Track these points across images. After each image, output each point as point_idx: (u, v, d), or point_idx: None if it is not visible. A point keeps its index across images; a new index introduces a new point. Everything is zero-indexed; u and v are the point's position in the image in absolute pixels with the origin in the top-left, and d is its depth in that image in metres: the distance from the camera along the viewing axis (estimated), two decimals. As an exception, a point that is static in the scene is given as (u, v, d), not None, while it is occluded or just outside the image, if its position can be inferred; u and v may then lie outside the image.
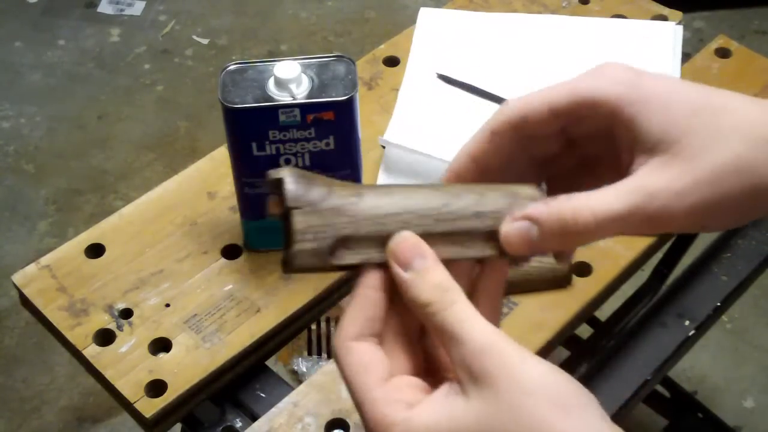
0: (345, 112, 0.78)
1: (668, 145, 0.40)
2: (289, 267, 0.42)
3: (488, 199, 0.43)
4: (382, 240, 0.42)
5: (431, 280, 0.41)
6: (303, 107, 0.76)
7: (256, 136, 0.78)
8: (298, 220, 0.41)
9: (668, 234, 0.90)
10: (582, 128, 0.44)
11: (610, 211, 0.40)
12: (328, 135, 0.79)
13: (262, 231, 0.85)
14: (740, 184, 0.40)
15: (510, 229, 0.43)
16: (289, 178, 0.41)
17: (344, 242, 0.42)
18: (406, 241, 0.42)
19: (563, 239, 0.41)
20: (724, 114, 0.41)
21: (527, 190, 0.45)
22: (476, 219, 0.43)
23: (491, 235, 0.44)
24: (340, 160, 0.80)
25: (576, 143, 0.45)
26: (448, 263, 0.42)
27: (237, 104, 0.76)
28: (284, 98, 0.76)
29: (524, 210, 0.42)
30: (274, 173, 0.42)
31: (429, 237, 0.43)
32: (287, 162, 0.80)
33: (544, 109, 0.44)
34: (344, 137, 0.80)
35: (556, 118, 0.44)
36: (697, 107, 0.41)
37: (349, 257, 0.43)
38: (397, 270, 0.42)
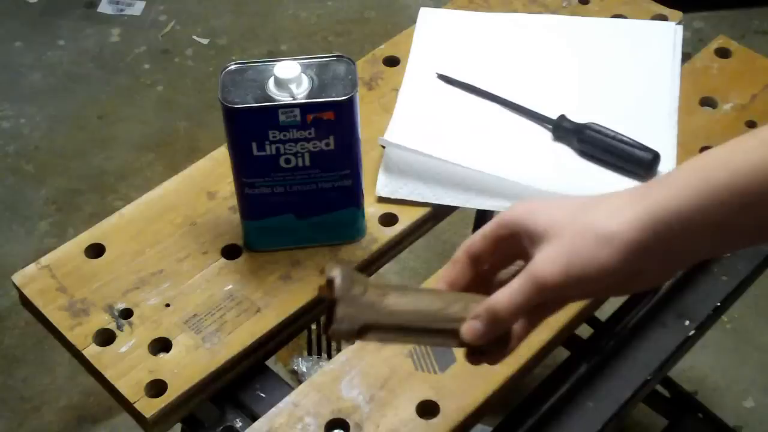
0: (345, 112, 0.77)
1: (550, 236, 0.56)
2: (327, 334, 0.59)
3: (472, 309, 0.59)
4: (396, 328, 0.59)
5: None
6: (303, 107, 0.76)
7: (256, 136, 0.78)
8: (340, 310, 0.58)
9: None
10: (509, 243, 0.60)
11: (514, 299, 0.56)
12: (328, 135, 0.78)
13: (261, 231, 0.85)
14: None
15: (464, 330, 0.58)
16: (338, 278, 0.58)
17: (369, 327, 0.59)
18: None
19: (498, 326, 0.58)
20: (589, 211, 0.55)
21: None
22: (461, 322, 0.59)
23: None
24: (340, 160, 0.80)
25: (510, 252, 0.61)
26: None
27: (237, 104, 0.76)
28: (284, 98, 0.76)
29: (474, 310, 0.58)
30: (330, 272, 0.58)
31: (425, 330, 0.59)
32: (287, 163, 0.79)
33: (478, 236, 0.60)
34: (344, 137, 0.79)
35: (487, 240, 0.60)
36: (574, 210, 0.56)
37: (371, 338, 0.59)
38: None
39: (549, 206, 0.58)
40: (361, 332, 0.59)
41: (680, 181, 0.52)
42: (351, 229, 0.87)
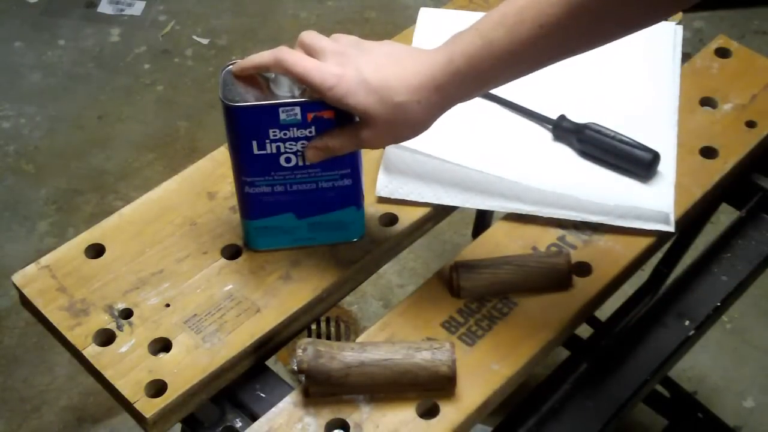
0: (345, 111, 0.77)
1: (368, 123, 0.75)
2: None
3: (417, 356, 0.76)
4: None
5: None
6: (304, 106, 0.76)
7: (257, 134, 0.77)
8: (308, 384, 0.77)
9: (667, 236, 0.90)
10: None
11: (342, 146, 0.78)
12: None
13: (261, 231, 0.85)
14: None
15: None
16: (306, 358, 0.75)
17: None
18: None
19: (325, 154, 0.79)
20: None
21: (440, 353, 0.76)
22: (415, 368, 0.75)
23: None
24: (340, 159, 0.80)
25: None
26: None
27: (237, 102, 0.76)
28: (285, 97, 0.76)
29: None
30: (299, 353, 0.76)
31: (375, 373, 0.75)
32: (287, 162, 0.79)
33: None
34: None
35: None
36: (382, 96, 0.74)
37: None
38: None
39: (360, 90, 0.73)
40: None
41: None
42: (351, 229, 0.87)
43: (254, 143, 0.78)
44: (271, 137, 0.77)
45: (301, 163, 0.79)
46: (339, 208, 0.84)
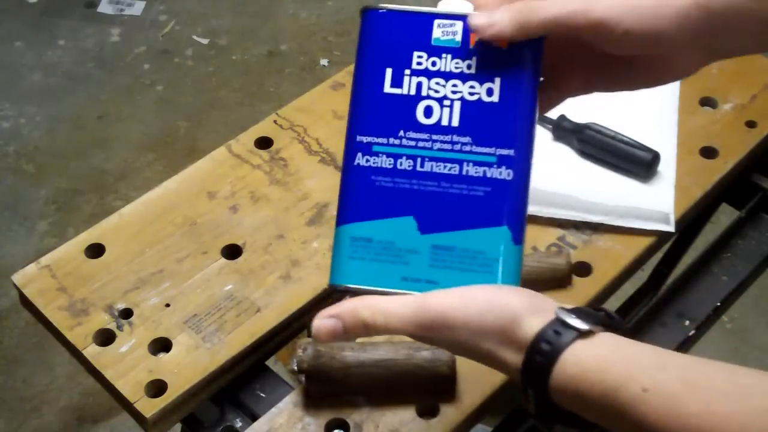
0: (527, 40, 0.54)
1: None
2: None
3: (417, 356, 0.75)
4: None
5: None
6: (467, 22, 0.54)
7: (395, 57, 0.55)
8: (308, 384, 0.76)
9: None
10: None
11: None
12: (494, 75, 0.54)
13: (361, 248, 0.55)
14: None
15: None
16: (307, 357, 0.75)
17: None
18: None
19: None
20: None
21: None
22: (415, 368, 0.74)
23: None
24: (506, 125, 0.54)
25: None
26: None
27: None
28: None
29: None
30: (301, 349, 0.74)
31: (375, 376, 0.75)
32: (427, 114, 0.55)
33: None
34: (519, 86, 0.54)
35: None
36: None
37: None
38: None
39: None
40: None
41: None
42: (495, 269, 0.54)
43: (389, 73, 0.55)
44: (415, 66, 0.55)
45: (446, 122, 0.54)
46: (483, 224, 0.54)
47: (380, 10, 0.55)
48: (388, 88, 0.55)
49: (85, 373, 0.80)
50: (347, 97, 0.57)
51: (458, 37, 0.54)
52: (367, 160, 0.55)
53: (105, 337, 0.79)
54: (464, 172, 0.54)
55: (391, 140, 0.55)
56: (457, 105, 0.54)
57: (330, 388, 0.76)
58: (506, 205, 0.54)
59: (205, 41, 2.37)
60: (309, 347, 0.75)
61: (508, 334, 0.49)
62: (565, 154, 0.96)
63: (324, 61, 2.28)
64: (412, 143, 0.54)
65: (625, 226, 0.89)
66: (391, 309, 0.51)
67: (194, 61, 2.31)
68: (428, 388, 0.76)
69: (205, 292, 0.83)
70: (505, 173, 0.54)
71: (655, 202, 0.90)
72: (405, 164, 0.54)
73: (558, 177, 0.93)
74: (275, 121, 0.98)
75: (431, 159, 0.54)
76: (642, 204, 0.90)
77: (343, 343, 0.77)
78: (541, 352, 0.47)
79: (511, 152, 0.54)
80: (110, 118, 2.17)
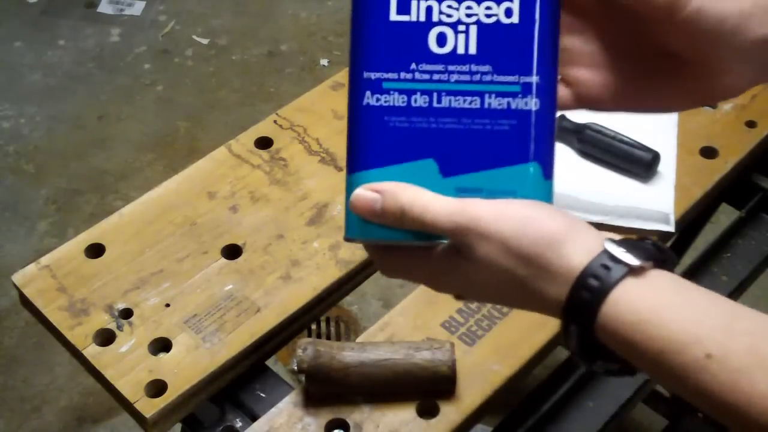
0: None
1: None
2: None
3: (417, 356, 0.76)
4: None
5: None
6: None
7: None
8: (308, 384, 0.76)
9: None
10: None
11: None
12: None
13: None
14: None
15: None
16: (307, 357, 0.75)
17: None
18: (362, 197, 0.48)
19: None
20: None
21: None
22: (415, 368, 0.75)
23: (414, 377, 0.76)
24: (527, 49, 0.48)
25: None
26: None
27: None
28: None
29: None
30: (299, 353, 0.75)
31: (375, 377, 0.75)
32: (441, 43, 0.48)
33: None
34: (541, 4, 0.48)
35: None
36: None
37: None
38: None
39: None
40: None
41: None
42: None
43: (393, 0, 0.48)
44: None
45: (462, 50, 0.48)
46: (511, 162, 0.49)
47: None
48: (394, 16, 0.48)
49: (85, 373, 0.80)
50: (347, 97, 0.54)
51: None
52: (377, 99, 0.48)
53: (105, 337, 0.79)
54: (486, 105, 0.48)
55: (403, 74, 0.48)
56: (473, 30, 0.48)
57: (330, 388, 0.76)
58: (534, 138, 0.49)
59: (205, 41, 2.37)
60: (309, 347, 0.75)
61: (545, 260, 0.44)
62: (565, 154, 0.96)
63: (324, 61, 2.28)
64: (426, 76, 0.48)
65: (625, 226, 0.89)
66: (430, 202, 0.46)
67: (194, 61, 2.31)
68: (428, 388, 0.76)
69: (205, 292, 0.83)
70: (531, 103, 0.48)
71: (655, 202, 0.90)
72: (420, 101, 0.48)
73: (558, 177, 0.93)
74: (275, 121, 0.98)
75: (449, 93, 0.48)
76: (642, 204, 0.90)
77: (343, 343, 0.77)
78: (589, 288, 0.43)
79: (536, 79, 0.48)
80: (110, 118, 2.17)
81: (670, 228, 0.89)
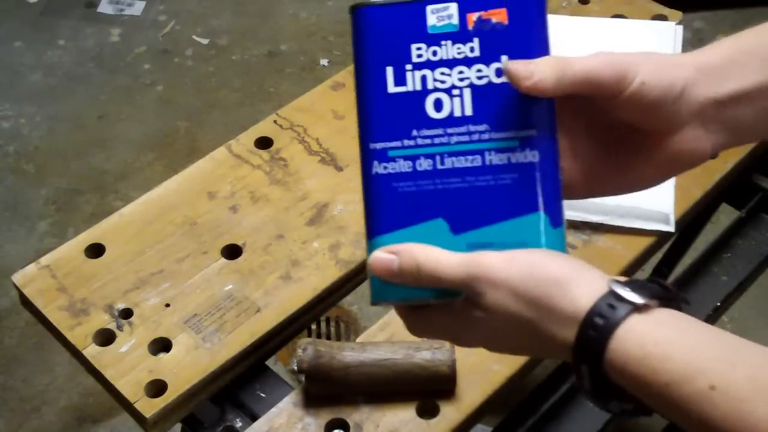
0: (525, 10, 0.51)
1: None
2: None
3: (417, 356, 0.76)
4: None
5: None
6: (462, 2, 0.51)
7: (394, 54, 0.51)
8: (308, 384, 0.77)
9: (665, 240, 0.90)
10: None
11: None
12: (499, 54, 0.50)
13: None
14: None
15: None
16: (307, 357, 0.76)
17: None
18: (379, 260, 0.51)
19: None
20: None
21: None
22: (415, 368, 0.76)
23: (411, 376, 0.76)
24: (520, 105, 0.50)
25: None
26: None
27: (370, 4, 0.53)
28: None
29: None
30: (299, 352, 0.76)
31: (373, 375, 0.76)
32: (438, 108, 0.51)
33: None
34: (526, 58, 0.50)
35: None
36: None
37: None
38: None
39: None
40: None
41: None
42: None
43: (389, 72, 0.51)
44: (415, 59, 0.51)
45: (459, 113, 0.51)
46: (518, 213, 0.50)
47: (369, 6, 0.52)
48: (392, 88, 0.51)
49: (85, 373, 0.80)
50: (347, 97, 0.55)
51: (455, 20, 0.50)
52: (385, 167, 0.51)
53: (105, 337, 0.79)
54: (487, 162, 0.50)
55: (406, 142, 0.51)
56: (467, 92, 0.50)
57: (330, 388, 0.76)
58: (538, 188, 0.50)
59: (205, 41, 2.37)
60: (309, 347, 0.75)
61: (553, 302, 0.46)
62: (565, 154, 0.96)
63: (324, 61, 2.28)
64: (428, 141, 0.51)
65: (625, 226, 0.89)
66: (442, 256, 0.49)
67: (194, 61, 2.31)
68: (428, 388, 0.76)
69: (205, 292, 0.83)
70: (530, 155, 0.50)
71: (655, 202, 0.90)
72: (424, 164, 0.51)
73: (558, 177, 0.93)
74: (275, 121, 0.98)
75: (450, 154, 0.50)
76: (642, 204, 0.90)
77: (343, 343, 0.77)
78: (596, 327, 0.45)
79: (532, 132, 0.50)
80: (110, 118, 2.17)
81: (670, 228, 0.89)
